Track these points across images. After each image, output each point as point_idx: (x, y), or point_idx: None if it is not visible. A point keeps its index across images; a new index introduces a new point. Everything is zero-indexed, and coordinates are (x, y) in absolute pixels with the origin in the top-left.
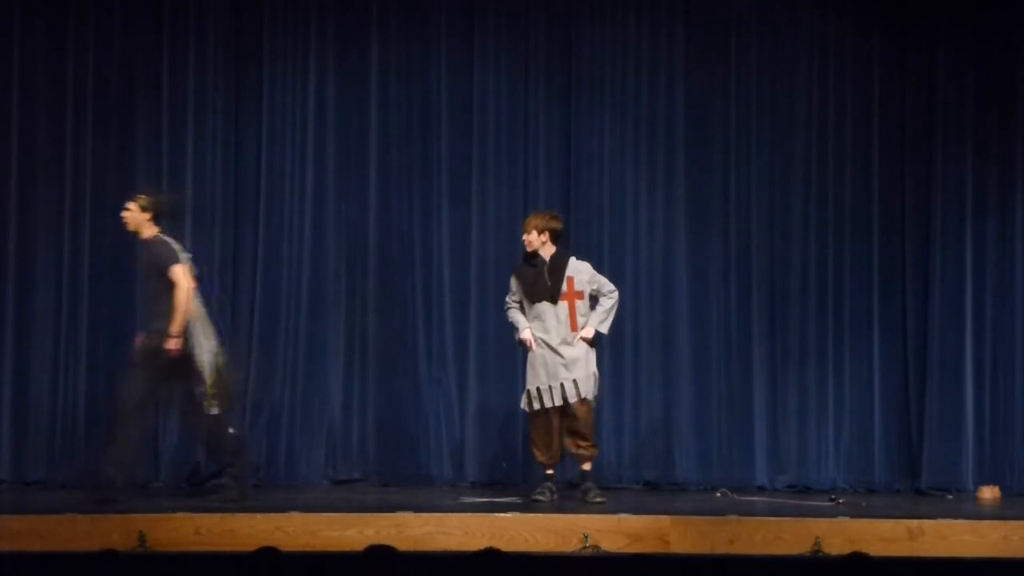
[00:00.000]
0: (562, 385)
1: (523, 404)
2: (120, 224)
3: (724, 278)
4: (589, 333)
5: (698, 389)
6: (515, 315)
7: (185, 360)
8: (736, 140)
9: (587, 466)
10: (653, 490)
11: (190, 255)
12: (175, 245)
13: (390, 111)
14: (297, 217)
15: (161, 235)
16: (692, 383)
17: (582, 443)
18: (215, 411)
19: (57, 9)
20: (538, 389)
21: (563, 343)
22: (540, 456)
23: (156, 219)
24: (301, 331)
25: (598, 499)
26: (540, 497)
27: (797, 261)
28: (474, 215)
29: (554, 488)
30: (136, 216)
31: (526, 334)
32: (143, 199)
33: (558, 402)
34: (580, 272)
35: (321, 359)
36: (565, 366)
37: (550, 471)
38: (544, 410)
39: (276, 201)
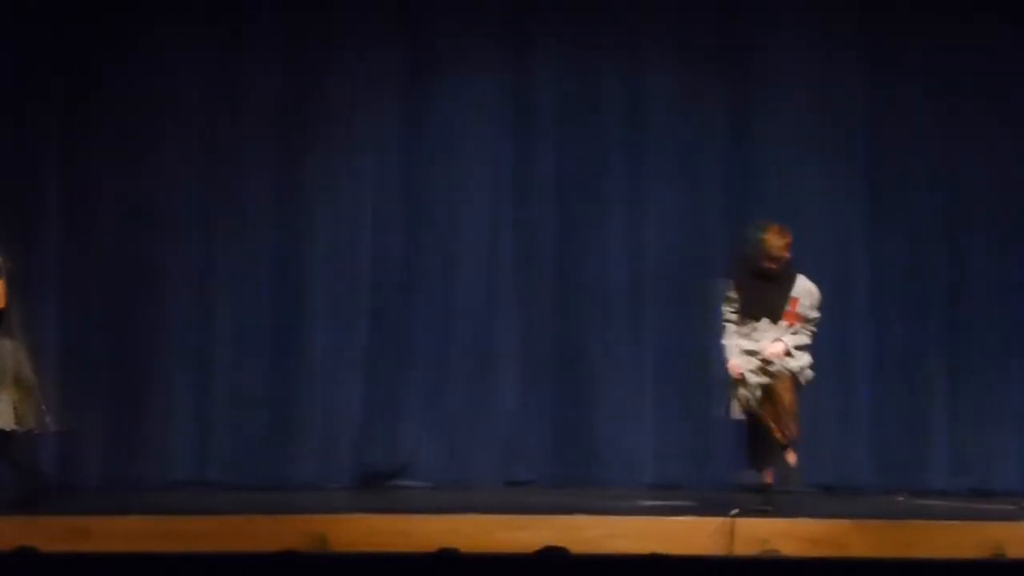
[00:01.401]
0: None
1: (734, 412)
2: (297, 229)
3: (904, 278)
4: (778, 348)
5: (876, 390)
6: (729, 338)
7: None
8: (916, 141)
9: (792, 458)
10: (831, 493)
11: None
12: None
13: (563, 112)
14: (471, 219)
15: None
16: (870, 384)
17: (781, 425)
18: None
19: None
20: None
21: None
22: (759, 464)
23: None
24: (475, 333)
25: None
26: (768, 507)
27: (979, 261)
28: (650, 215)
29: (771, 499)
30: None
31: (734, 363)
32: None
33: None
34: (806, 295)
35: (495, 361)
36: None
37: (768, 480)
38: (754, 414)
39: (451, 203)
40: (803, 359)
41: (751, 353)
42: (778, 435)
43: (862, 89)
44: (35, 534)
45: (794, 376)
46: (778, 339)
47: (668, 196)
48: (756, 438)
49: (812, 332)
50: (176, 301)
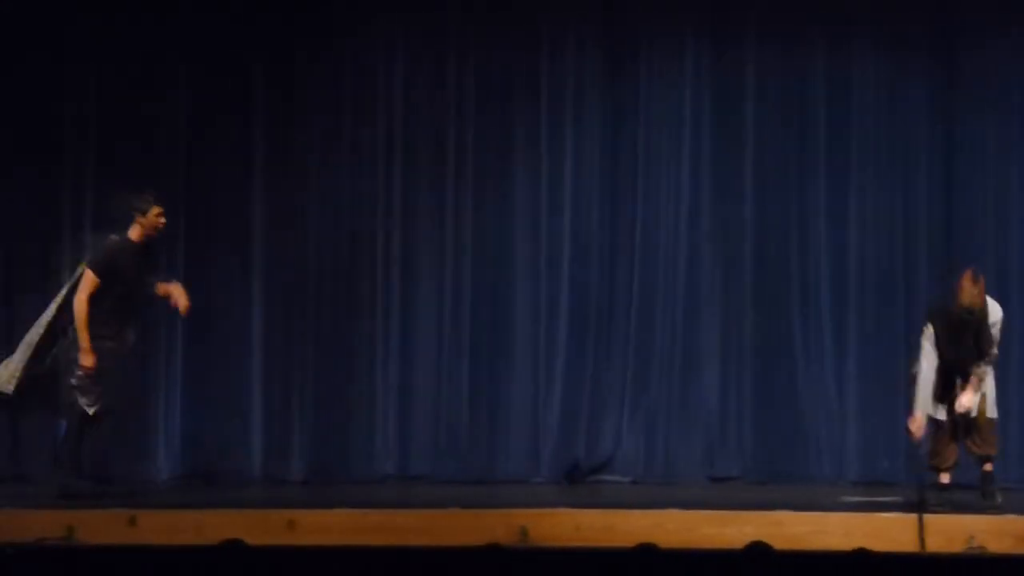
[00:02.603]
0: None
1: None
2: (499, 227)
3: None
4: (968, 400)
5: None
6: (922, 386)
7: None
8: None
9: (988, 467)
10: None
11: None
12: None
13: (766, 110)
14: (672, 216)
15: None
16: None
17: (979, 442)
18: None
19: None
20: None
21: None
22: (931, 460)
23: None
24: (678, 328)
25: (996, 499)
26: (938, 508)
27: None
28: (852, 212)
29: (945, 500)
30: None
31: (916, 421)
32: None
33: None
34: (993, 316)
35: (697, 356)
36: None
37: (945, 479)
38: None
39: (652, 199)
40: (989, 393)
41: (943, 398)
42: (977, 451)
43: None
44: (242, 527)
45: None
46: (967, 388)
47: (871, 195)
48: (935, 440)
49: (991, 357)
50: (378, 296)
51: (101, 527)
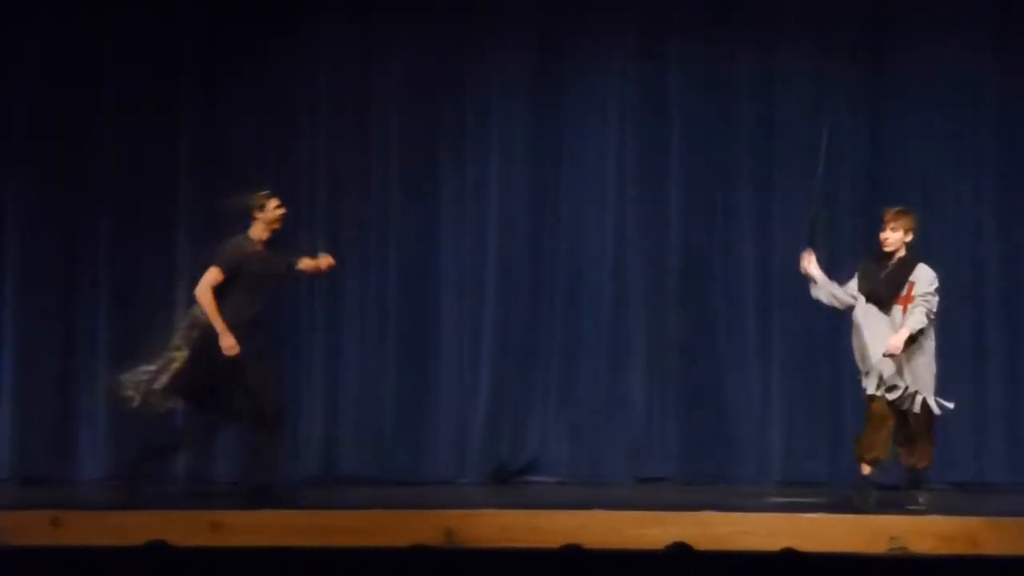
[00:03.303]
0: (906, 389)
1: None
2: (425, 228)
3: None
4: (901, 338)
5: (1013, 387)
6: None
7: None
8: None
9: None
10: (963, 490)
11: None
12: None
13: (692, 110)
14: (598, 216)
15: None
16: (1005, 382)
17: (915, 450)
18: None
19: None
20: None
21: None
22: (856, 447)
23: None
24: (603, 329)
25: (919, 501)
26: (857, 502)
27: None
28: (776, 213)
29: (872, 492)
30: None
31: (809, 254)
32: None
33: (893, 397)
34: (921, 281)
35: (623, 357)
36: (899, 372)
37: (866, 470)
38: (878, 399)
39: (577, 199)
40: (925, 373)
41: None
42: (905, 461)
43: (993, 80)
44: (167, 528)
45: (926, 407)
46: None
47: (796, 196)
48: (866, 425)
49: (927, 311)
50: (302, 297)
51: (24, 528)
